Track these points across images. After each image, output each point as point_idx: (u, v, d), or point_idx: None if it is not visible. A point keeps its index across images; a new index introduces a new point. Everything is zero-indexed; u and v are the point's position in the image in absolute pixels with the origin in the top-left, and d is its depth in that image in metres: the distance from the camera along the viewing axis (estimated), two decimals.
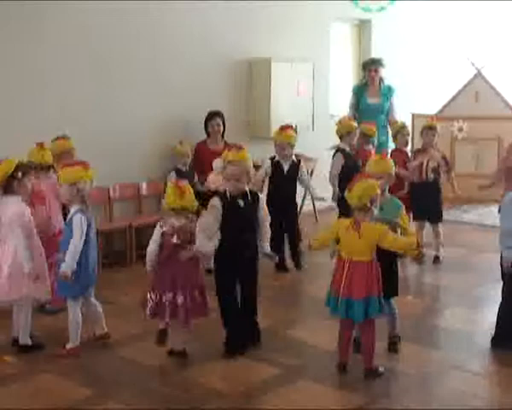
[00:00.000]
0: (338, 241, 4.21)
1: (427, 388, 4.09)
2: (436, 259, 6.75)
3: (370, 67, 7.86)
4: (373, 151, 6.83)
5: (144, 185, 7.22)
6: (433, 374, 4.26)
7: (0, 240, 4.63)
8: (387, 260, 4.26)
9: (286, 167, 6.54)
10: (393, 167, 4.66)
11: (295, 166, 6.56)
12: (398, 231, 4.26)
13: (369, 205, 4.06)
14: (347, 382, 4.19)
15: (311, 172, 8.73)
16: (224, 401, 3.93)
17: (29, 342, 4.64)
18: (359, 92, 7.96)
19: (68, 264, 4.45)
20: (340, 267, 4.15)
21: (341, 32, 9.86)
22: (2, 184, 4.60)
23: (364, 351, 4.21)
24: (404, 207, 4.48)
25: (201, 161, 7.12)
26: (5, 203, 4.60)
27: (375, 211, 4.14)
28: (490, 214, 8.67)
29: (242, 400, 3.94)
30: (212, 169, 6.39)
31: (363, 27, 10.13)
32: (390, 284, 4.37)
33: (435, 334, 4.89)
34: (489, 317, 5.36)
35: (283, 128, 6.53)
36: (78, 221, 4.52)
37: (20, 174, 4.61)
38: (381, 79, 7.94)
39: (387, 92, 7.99)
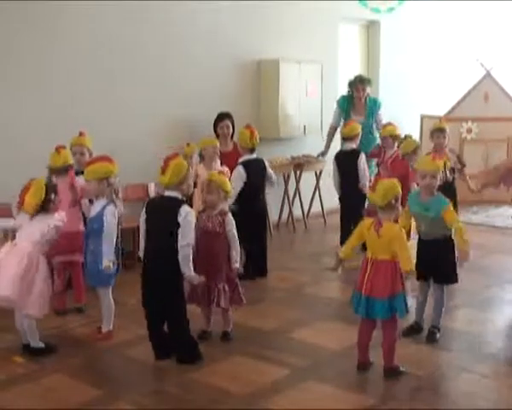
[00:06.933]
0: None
1: (436, 389, 4.07)
2: None
3: (358, 85, 7.83)
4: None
5: (152, 186, 7.21)
6: (443, 376, 4.24)
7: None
8: (443, 245, 4.27)
9: None
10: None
11: None
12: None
13: (393, 202, 4.08)
14: (356, 383, 4.18)
15: (321, 172, 8.74)
16: (232, 401, 3.93)
17: (41, 344, 4.57)
18: (344, 105, 7.95)
19: (110, 256, 4.56)
20: (364, 266, 4.18)
21: (350, 32, 9.86)
22: (37, 209, 4.41)
23: (385, 349, 4.20)
24: (450, 203, 4.52)
25: None
26: (36, 223, 4.43)
27: (401, 209, 4.21)
28: (499, 216, 8.63)
29: (251, 400, 3.93)
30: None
31: (371, 28, 10.12)
32: (445, 270, 4.45)
33: (445, 335, 4.87)
34: (499, 318, 5.35)
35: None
36: (113, 213, 4.61)
37: (53, 195, 4.47)
38: (367, 95, 7.93)
39: (373, 105, 7.95)
